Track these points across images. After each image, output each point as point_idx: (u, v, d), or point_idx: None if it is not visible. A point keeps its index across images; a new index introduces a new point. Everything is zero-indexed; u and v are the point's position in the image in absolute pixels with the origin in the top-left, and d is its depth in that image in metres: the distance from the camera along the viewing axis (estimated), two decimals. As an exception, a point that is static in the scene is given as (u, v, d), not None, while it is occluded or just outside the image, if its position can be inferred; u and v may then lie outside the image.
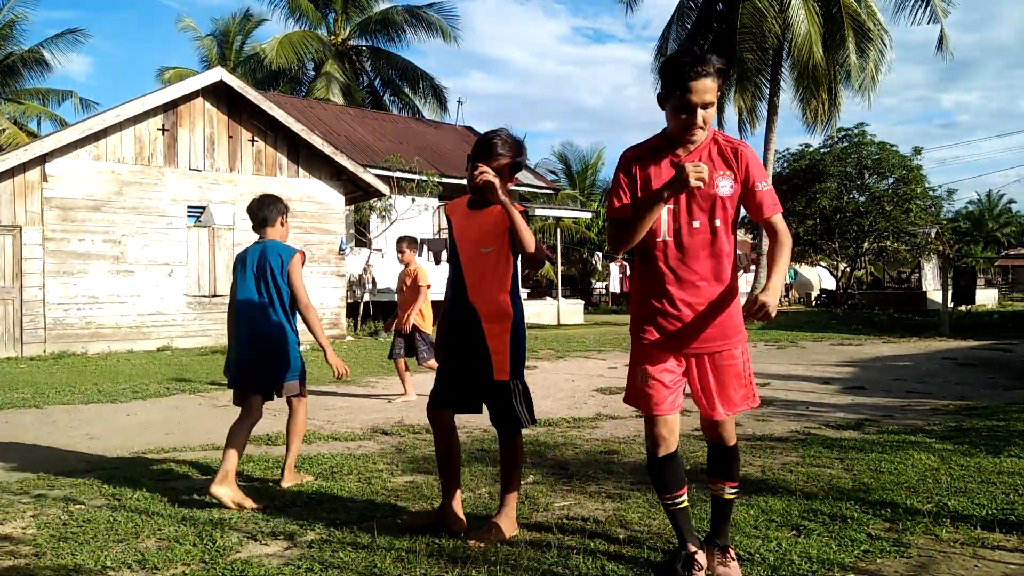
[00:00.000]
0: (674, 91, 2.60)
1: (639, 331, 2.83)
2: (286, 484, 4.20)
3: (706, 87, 2.57)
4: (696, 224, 2.70)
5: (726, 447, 2.90)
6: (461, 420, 6.19)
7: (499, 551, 3.06)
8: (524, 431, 3.49)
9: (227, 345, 4.43)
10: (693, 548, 2.81)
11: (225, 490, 3.79)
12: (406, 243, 7.66)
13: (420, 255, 18.48)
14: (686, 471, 4.28)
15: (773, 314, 2.64)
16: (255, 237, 4.35)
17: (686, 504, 2.89)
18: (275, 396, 4.28)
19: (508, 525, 3.27)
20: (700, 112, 2.60)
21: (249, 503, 3.79)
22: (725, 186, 2.68)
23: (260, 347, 4.15)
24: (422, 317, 7.52)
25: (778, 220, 2.75)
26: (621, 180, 2.78)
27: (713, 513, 2.96)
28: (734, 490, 2.93)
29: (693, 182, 2.54)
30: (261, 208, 4.28)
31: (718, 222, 2.70)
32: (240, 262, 4.29)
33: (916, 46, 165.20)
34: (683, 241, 2.71)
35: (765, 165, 21.29)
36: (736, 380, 2.81)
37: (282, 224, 4.35)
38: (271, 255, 4.17)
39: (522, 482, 4.12)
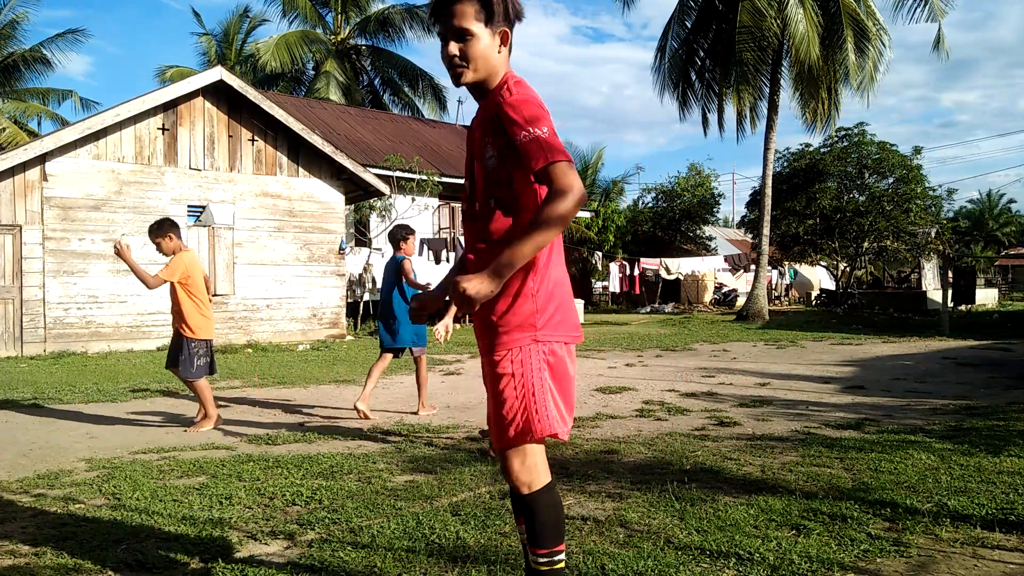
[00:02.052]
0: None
1: None
2: (422, 412, 6.57)
3: (453, 11, 2.07)
4: (477, 206, 2.22)
5: (516, 494, 2.19)
6: (458, 420, 6.20)
7: (499, 550, 3.06)
8: None
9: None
10: None
11: (363, 405, 6.35)
12: (158, 232, 6.02)
13: (420, 255, 18.57)
14: (685, 471, 4.31)
15: (472, 302, 1.97)
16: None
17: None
18: (400, 356, 6.68)
19: None
20: (453, 44, 2.10)
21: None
22: (490, 158, 2.16)
23: (388, 323, 6.52)
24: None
25: (555, 171, 1.99)
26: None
27: None
28: (542, 558, 2.16)
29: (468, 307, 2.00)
30: (398, 232, 6.61)
31: (493, 202, 2.17)
32: (385, 268, 6.71)
33: (916, 46, 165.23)
34: (469, 226, 2.27)
35: (765, 165, 21.23)
36: (500, 400, 2.15)
37: (406, 243, 6.57)
38: (395, 263, 6.56)
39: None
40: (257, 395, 7.77)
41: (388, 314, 6.54)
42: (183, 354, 5.90)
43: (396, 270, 6.52)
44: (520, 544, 2.56)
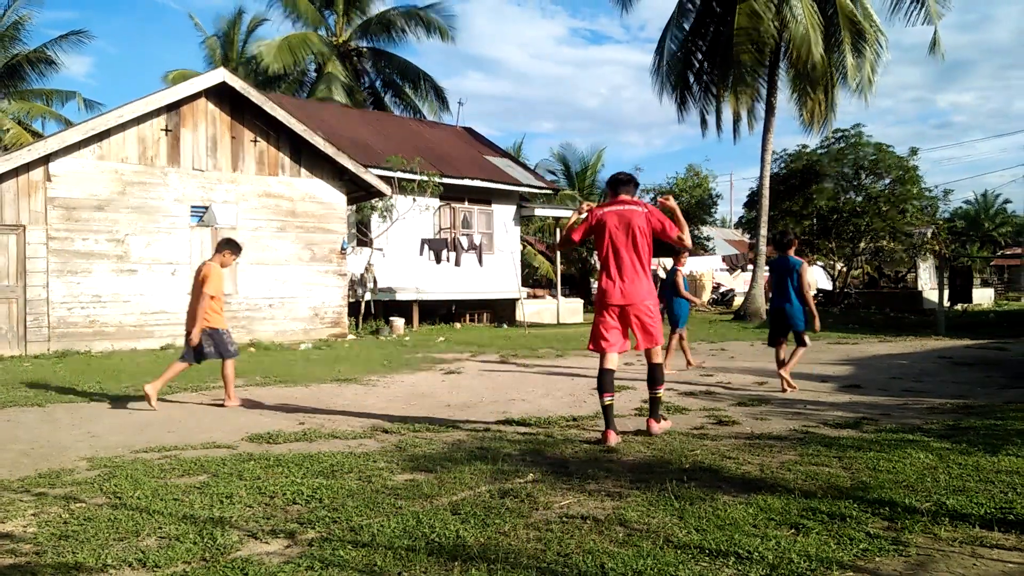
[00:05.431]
0: None
1: None
2: (786, 373, 7.90)
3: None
4: None
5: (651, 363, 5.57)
6: (459, 416, 6.21)
7: (499, 549, 3.08)
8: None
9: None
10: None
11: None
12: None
13: (421, 255, 18.60)
14: (684, 470, 4.34)
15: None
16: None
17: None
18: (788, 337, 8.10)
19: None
20: None
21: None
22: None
23: (781, 313, 8.08)
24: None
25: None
26: None
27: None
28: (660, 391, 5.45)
29: None
30: (783, 237, 8.27)
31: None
32: (771, 267, 8.35)
33: (912, 47, 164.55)
34: None
35: (762, 166, 21.35)
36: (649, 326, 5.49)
37: (793, 246, 8.13)
38: (791, 263, 7.95)
39: (521, 480, 4.15)
40: (259, 394, 7.79)
41: (790, 306, 8.02)
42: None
43: (795, 269, 7.92)
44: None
